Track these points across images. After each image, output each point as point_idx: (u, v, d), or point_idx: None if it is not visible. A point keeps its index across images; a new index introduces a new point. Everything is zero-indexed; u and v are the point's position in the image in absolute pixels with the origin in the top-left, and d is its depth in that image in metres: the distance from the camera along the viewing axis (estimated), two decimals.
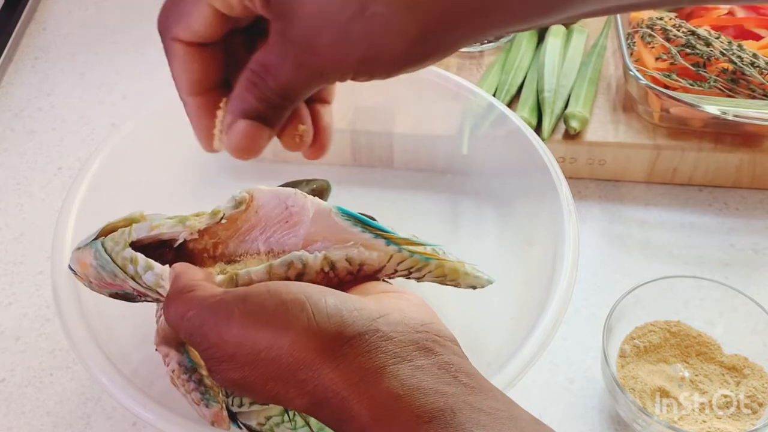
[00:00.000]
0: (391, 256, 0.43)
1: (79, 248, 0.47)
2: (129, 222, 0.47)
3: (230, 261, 0.45)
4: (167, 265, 0.43)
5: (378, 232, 0.43)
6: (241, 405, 0.55)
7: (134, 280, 0.44)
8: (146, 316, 0.58)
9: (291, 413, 0.55)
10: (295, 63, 0.36)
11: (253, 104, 0.37)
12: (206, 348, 0.38)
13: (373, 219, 0.44)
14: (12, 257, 0.72)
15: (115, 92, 0.87)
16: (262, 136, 0.38)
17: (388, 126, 0.73)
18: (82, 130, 0.84)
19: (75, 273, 0.46)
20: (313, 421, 0.56)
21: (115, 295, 0.46)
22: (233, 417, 0.55)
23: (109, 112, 0.85)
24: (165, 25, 0.38)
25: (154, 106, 0.64)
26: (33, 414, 0.62)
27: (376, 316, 0.37)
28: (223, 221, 0.44)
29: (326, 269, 0.42)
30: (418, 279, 0.44)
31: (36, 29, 0.95)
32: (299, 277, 0.42)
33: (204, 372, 0.53)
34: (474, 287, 0.45)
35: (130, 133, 0.62)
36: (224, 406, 0.53)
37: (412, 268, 0.43)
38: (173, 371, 0.54)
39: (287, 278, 0.42)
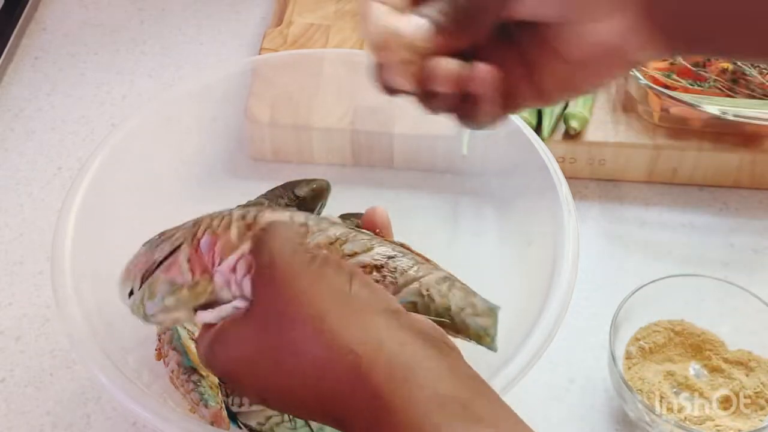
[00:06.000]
0: None
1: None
2: None
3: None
4: None
5: None
6: (240, 405, 0.55)
7: None
8: None
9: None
10: None
11: None
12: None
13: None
14: (12, 257, 0.72)
15: (115, 92, 0.87)
16: (423, 28, 0.38)
17: (388, 126, 0.73)
18: (82, 130, 0.84)
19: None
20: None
21: None
22: (233, 417, 0.55)
23: (109, 112, 0.85)
24: None
25: (154, 106, 0.64)
26: (33, 414, 0.62)
27: (402, 312, 0.37)
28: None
29: None
30: None
31: (36, 29, 0.95)
32: None
33: (203, 372, 0.53)
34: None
35: (130, 133, 0.61)
36: (223, 406, 0.53)
37: None
38: (172, 371, 0.54)
39: None
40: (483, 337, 0.43)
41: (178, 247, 0.43)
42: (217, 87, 0.68)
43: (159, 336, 0.57)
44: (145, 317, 0.43)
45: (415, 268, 0.43)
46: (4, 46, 0.90)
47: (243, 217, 0.43)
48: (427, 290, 0.43)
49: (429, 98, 0.40)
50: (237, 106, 0.71)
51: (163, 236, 0.45)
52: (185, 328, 0.56)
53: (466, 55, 0.40)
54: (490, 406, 0.34)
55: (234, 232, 0.42)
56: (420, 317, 0.38)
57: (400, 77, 0.39)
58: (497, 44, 0.40)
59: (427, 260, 0.45)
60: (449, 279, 0.44)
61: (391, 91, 0.40)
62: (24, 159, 0.81)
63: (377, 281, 0.42)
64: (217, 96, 0.67)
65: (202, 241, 0.42)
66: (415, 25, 0.38)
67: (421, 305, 0.42)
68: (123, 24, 0.96)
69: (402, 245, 0.45)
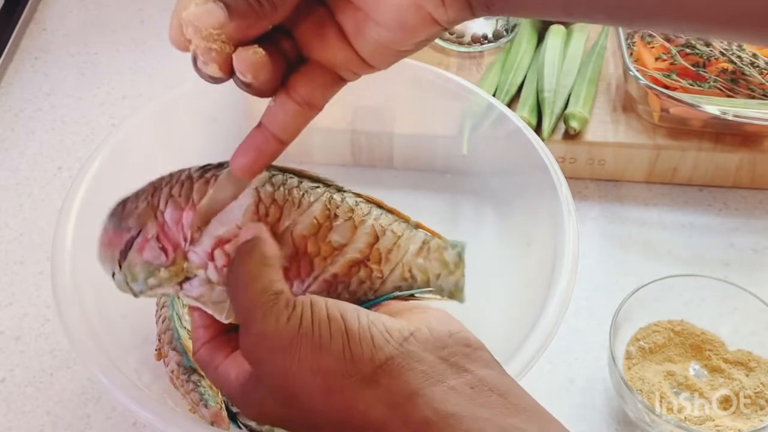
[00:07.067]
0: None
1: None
2: None
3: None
4: None
5: None
6: None
7: None
8: (146, 316, 0.59)
9: None
10: None
11: None
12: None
13: None
14: (12, 257, 0.72)
15: (115, 92, 0.87)
16: (213, 14, 0.36)
17: (388, 126, 0.73)
18: (82, 130, 0.84)
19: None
20: None
21: None
22: (233, 417, 0.55)
23: (109, 112, 0.85)
24: None
25: (154, 106, 0.64)
26: (33, 414, 0.62)
27: (407, 335, 0.37)
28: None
29: None
30: None
31: (36, 29, 0.95)
32: None
33: (203, 373, 0.53)
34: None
35: (130, 133, 0.61)
36: (223, 406, 0.53)
37: None
38: (172, 372, 0.54)
39: None
40: (455, 293, 0.45)
41: (145, 223, 0.43)
42: (217, 87, 0.68)
43: (159, 336, 0.57)
44: (135, 294, 0.44)
45: (396, 248, 0.44)
46: (4, 46, 0.90)
47: (202, 177, 0.43)
48: (409, 271, 0.44)
49: (246, 87, 0.38)
50: (237, 106, 0.71)
51: (125, 207, 0.45)
52: (185, 328, 0.56)
53: (282, 31, 0.40)
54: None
55: (196, 197, 0.42)
56: (426, 333, 0.37)
57: (206, 66, 0.37)
58: (314, 17, 0.40)
59: (400, 215, 0.46)
60: (425, 244, 0.45)
61: (212, 79, 0.38)
62: (24, 159, 0.81)
63: (363, 282, 0.43)
64: (217, 96, 0.67)
65: (167, 215, 0.42)
66: (207, 12, 0.36)
67: (405, 287, 0.44)
68: (123, 24, 0.96)
69: (378, 204, 0.46)
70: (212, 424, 0.51)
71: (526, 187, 0.60)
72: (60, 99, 0.87)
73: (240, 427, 0.55)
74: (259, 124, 0.41)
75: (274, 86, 0.40)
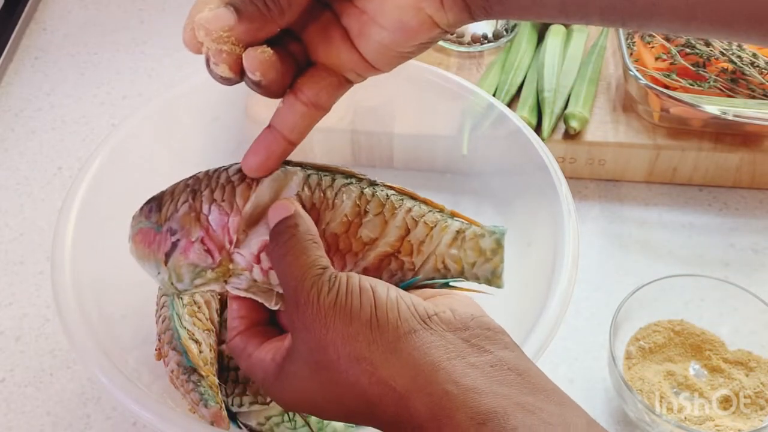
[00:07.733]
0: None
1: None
2: None
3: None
4: None
5: None
6: (240, 405, 0.55)
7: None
8: (146, 316, 0.59)
9: (291, 413, 0.55)
10: None
11: None
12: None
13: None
14: (12, 257, 0.72)
15: (115, 92, 0.87)
16: (222, 17, 0.38)
17: (388, 126, 0.73)
18: (82, 130, 0.84)
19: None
20: (312, 420, 0.56)
21: None
22: (233, 417, 0.55)
23: (109, 112, 0.85)
24: None
25: (154, 106, 0.64)
26: (33, 414, 0.62)
27: (431, 314, 0.38)
28: None
29: None
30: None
31: (36, 29, 0.95)
32: None
33: (203, 373, 0.53)
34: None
35: (130, 133, 0.61)
36: (223, 405, 0.53)
37: None
38: (172, 371, 0.54)
39: None
40: (492, 280, 0.45)
41: (188, 226, 0.44)
42: (217, 87, 0.68)
43: (159, 336, 0.57)
44: (179, 292, 0.45)
45: (428, 239, 0.44)
46: (4, 46, 0.90)
47: (243, 181, 0.44)
48: (443, 262, 0.44)
49: (256, 86, 0.40)
50: (237, 106, 0.71)
51: (161, 209, 0.45)
52: (185, 328, 0.56)
53: (291, 35, 0.42)
54: (530, 412, 0.34)
55: (239, 202, 0.43)
56: (449, 315, 0.38)
57: (217, 67, 0.39)
58: (320, 21, 0.42)
59: (435, 205, 0.46)
60: (459, 234, 0.45)
61: (223, 80, 0.40)
62: (24, 159, 0.81)
63: (394, 274, 0.43)
64: (217, 96, 0.67)
65: (212, 219, 0.43)
66: (217, 16, 0.38)
67: (438, 278, 0.44)
68: (123, 24, 0.96)
69: (410, 195, 0.46)
70: (212, 424, 0.51)
71: (526, 187, 0.60)
72: (60, 99, 0.87)
73: (240, 427, 0.55)
74: (269, 126, 0.43)
75: (283, 86, 0.41)
